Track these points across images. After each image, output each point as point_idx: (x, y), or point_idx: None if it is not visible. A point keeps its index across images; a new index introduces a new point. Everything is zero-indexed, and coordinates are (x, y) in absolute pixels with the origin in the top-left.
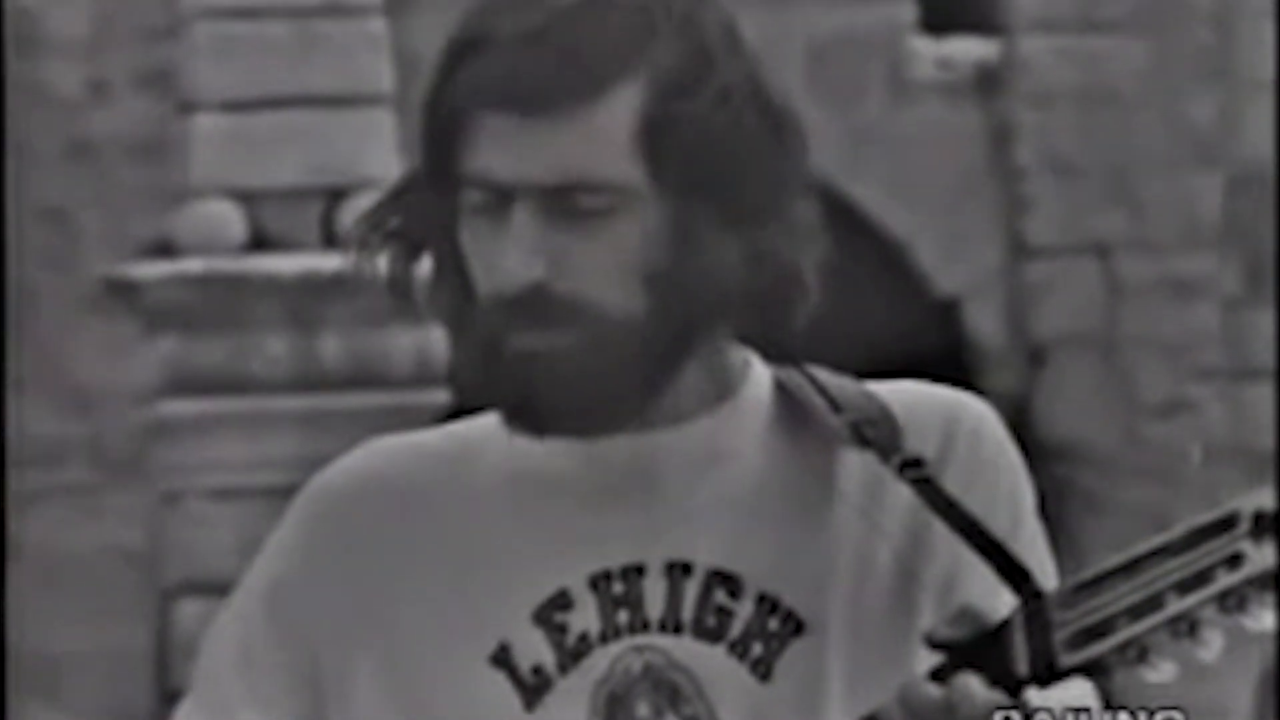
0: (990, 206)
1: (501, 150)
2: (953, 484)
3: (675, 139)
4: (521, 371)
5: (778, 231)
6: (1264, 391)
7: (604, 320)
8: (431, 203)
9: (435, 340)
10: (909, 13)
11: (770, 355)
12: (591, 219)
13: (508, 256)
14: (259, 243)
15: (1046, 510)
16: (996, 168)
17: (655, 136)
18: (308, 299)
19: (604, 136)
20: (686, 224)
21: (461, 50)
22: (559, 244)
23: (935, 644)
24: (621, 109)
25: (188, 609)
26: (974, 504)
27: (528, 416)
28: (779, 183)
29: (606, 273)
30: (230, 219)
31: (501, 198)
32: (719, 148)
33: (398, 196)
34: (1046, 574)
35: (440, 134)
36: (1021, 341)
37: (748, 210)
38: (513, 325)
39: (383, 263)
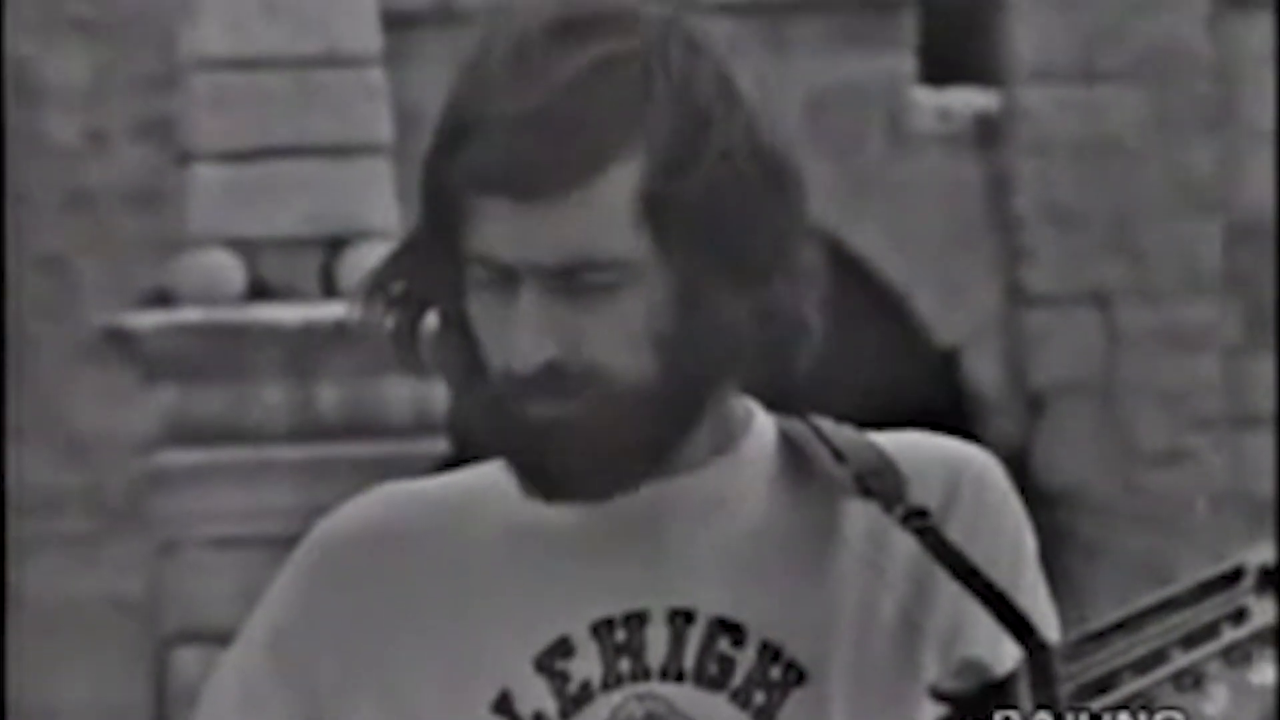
0: (989, 255)
1: (502, 233)
2: (956, 534)
3: (677, 209)
4: (537, 438)
5: (784, 283)
6: (1264, 440)
7: (617, 387)
8: (436, 266)
9: (434, 390)
10: (909, 63)
11: (773, 405)
12: (599, 294)
13: (518, 338)
14: (258, 292)
15: (1046, 558)
16: (996, 217)
17: (657, 208)
18: (306, 348)
19: (605, 214)
20: (693, 288)
21: (456, 131)
22: (568, 321)
23: (940, 696)
24: (621, 185)
25: (186, 658)
26: (976, 554)
27: (542, 481)
28: (782, 235)
29: (617, 343)
30: (229, 268)
31: (507, 277)
32: (721, 210)
33: (403, 254)
34: (1049, 625)
35: (440, 210)
36: (1021, 390)
37: (754, 267)
38: (528, 397)
39: (388, 319)
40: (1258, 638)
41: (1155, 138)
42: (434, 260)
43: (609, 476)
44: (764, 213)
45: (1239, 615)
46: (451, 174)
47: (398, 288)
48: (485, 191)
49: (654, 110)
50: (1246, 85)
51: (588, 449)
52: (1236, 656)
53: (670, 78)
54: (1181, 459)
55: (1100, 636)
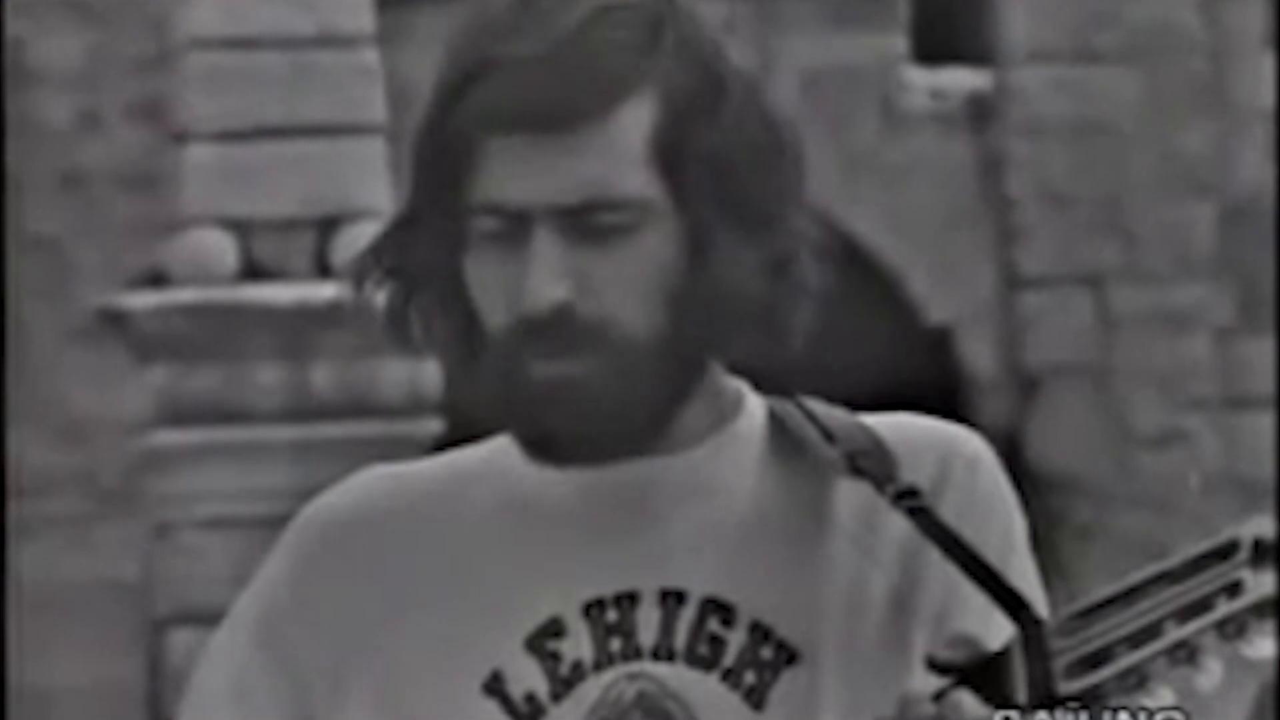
0: (983, 236)
1: (516, 174)
2: (947, 516)
3: (689, 151)
4: (545, 401)
5: (787, 240)
6: (1257, 421)
7: (627, 342)
8: (430, 236)
9: (427, 370)
10: (901, 43)
11: (765, 386)
12: (614, 236)
13: (531, 279)
14: (251, 272)
15: (1039, 540)
16: (989, 198)
17: (670, 150)
18: (300, 329)
19: (620, 152)
20: (705, 236)
21: (465, 76)
22: (583, 264)
23: (935, 666)
24: (635, 124)
25: (180, 639)
26: (966, 536)
27: (551, 446)
28: (784, 191)
29: (630, 292)
30: (222, 249)
31: (518, 222)
32: (730, 159)
33: (394, 232)
34: (1039, 608)
35: (443, 162)
36: (1014, 371)
37: (760, 219)
38: (534, 353)
39: (380, 298)
40: (1252, 611)
41: (1148, 119)
42: (428, 228)
43: (611, 439)
44: (768, 166)
45: (1233, 589)
46: (460, 118)
47: (389, 264)
48: (498, 130)
49: (664, 56)
50: (1240, 66)
51: (591, 410)
52: (1231, 630)
53: (678, 28)
54: (1175, 440)
55: (1094, 611)
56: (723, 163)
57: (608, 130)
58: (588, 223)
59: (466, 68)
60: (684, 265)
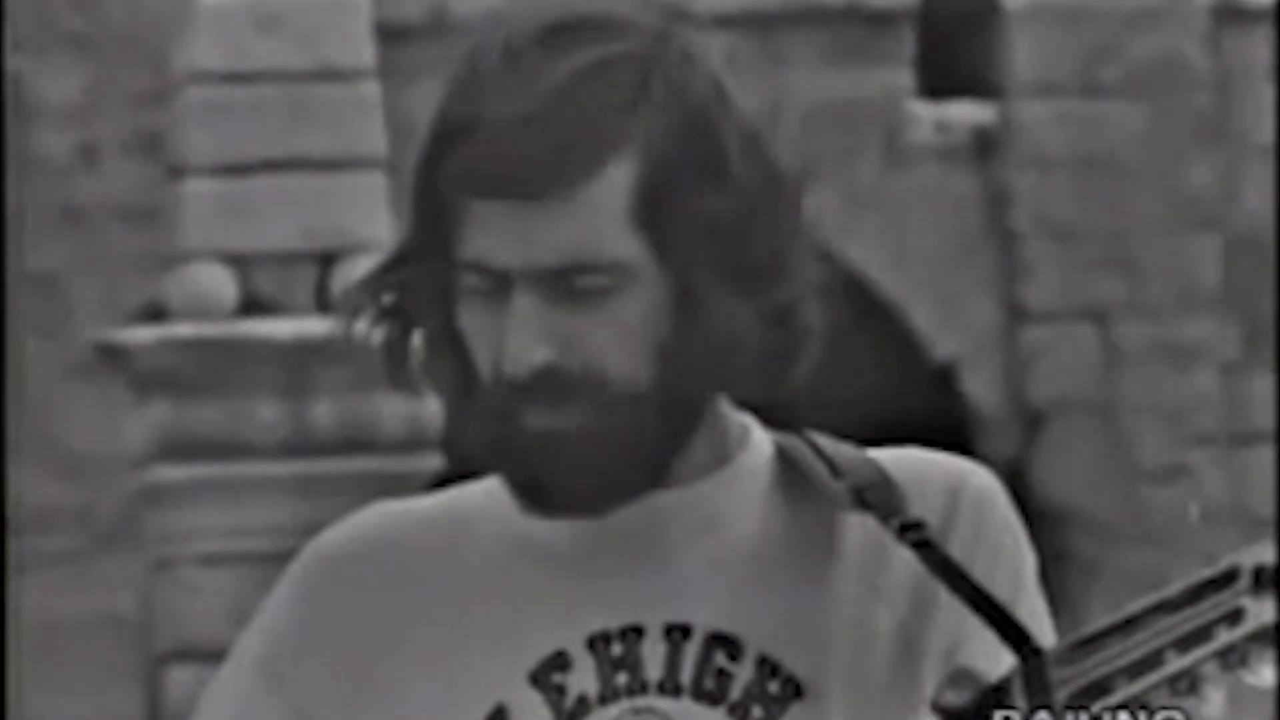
0: (987, 270)
1: (496, 237)
2: (955, 552)
3: (674, 211)
4: (535, 451)
5: (785, 290)
6: (1263, 456)
7: (615, 394)
8: (427, 278)
9: (428, 406)
10: (906, 77)
11: (770, 421)
12: (594, 297)
13: (512, 342)
14: (251, 307)
15: (1045, 576)
16: (993, 232)
17: (653, 210)
18: (300, 364)
19: (600, 215)
20: (692, 293)
21: (448, 135)
22: (563, 324)
23: (940, 709)
24: (617, 186)
25: (179, 676)
26: (975, 572)
27: (540, 496)
28: (781, 242)
29: (616, 346)
30: (222, 283)
31: (500, 282)
32: (717, 213)
33: (392, 267)
34: (1046, 644)
35: (431, 220)
36: (1018, 406)
37: (753, 272)
38: (523, 406)
39: (378, 334)
40: (1253, 639)
41: (1153, 152)
42: (424, 272)
43: (605, 490)
44: (762, 218)
45: (1234, 617)
46: (444, 179)
47: (387, 301)
48: (478, 194)
49: (650, 112)
50: (1245, 100)
51: (584, 461)
52: (1232, 659)
53: (667, 81)
54: (1180, 475)
55: (1094, 640)
56: (714, 220)
57: (589, 193)
58: (569, 285)
59: (449, 127)
60: (673, 321)
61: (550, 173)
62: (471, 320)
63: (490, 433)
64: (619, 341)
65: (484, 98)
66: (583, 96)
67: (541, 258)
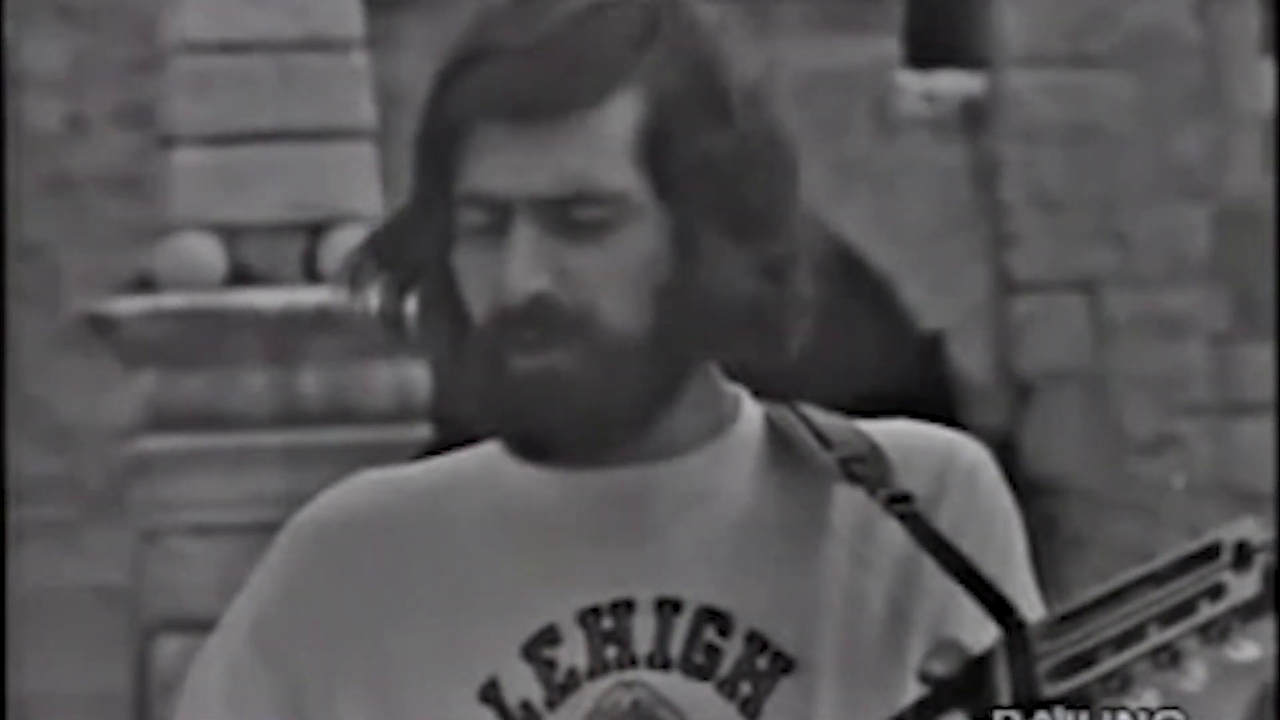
0: (976, 241)
1: (501, 162)
2: (945, 524)
3: (678, 151)
4: (524, 395)
5: (781, 245)
6: (1252, 427)
7: (608, 335)
8: (423, 232)
9: (416, 375)
10: (895, 47)
11: (761, 392)
12: (593, 230)
13: (509, 270)
14: (239, 277)
15: (1034, 547)
16: (983, 202)
17: (654, 147)
18: (288, 334)
19: (602, 146)
20: (692, 236)
21: (460, 63)
22: (561, 256)
23: (925, 678)
24: (622, 118)
25: (168, 647)
26: (965, 546)
27: (530, 443)
28: (779, 197)
29: (611, 285)
30: (210, 254)
31: (500, 213)
32: (720, 159)
33: (387, 230)
34: (1034, 617)
35: (437, 149)
36: (1008, 377)
37: (754, 224)
38: (514, 344)
39: (373, 296)
40: (1235, 613)
41: (1143, 123)
42: (423, 222)
43: (594, 437)
44: (760, 170)
45: (1216, 591)
46: (453, 103)
47: (384, 256)
48: (486, 117)
49: (659, 51)
50: (1235, 70)
51: (572, 404)
52: (1214, 633)
53: (676, 23)
54: (1169, 446)
55: (1078, 614)
56: (715, 166)
57: (593, 124)
58: (568, 215)
59: (460, 54)
60: (671, 263)
61: (555, 97)
62: (468, 259)
63: (480, 379)
64: (614, 280)
65: (496, 28)
66: (593, 29)
67: (541, 185)
